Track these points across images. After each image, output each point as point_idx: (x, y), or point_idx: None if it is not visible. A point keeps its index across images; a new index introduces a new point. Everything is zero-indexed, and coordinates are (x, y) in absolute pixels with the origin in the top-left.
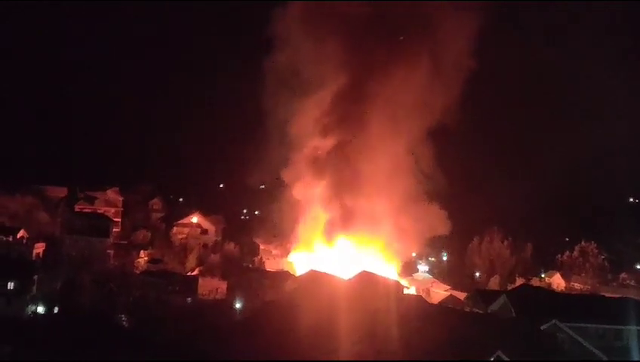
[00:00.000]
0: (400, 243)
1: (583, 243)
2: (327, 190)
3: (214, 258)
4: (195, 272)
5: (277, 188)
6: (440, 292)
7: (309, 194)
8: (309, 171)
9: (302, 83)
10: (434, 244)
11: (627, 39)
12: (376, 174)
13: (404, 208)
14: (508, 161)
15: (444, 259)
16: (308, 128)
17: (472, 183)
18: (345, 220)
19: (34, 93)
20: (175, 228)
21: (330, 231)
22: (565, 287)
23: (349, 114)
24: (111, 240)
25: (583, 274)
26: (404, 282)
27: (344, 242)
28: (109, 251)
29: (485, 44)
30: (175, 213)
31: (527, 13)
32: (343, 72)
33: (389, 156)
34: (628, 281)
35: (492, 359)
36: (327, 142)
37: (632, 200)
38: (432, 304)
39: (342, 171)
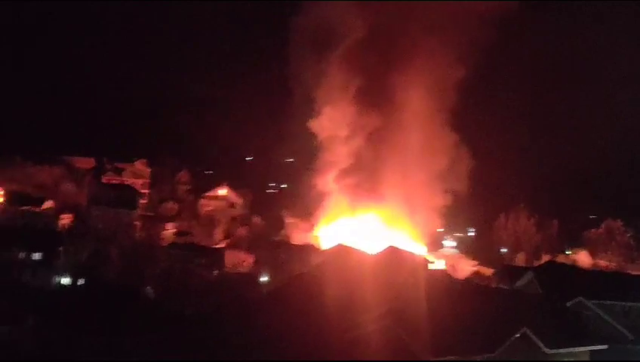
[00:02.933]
0: (426, 218)
1: (609, 220)
2: (355, 164)
3: (241, 231)
4: (222, 245)
5: (304, 161)
6: (466, 268)
7: (337, 167)
8: (336, 145)
9: (334, 56)
10: (460, 220)
11: None
12: (404, 149)
13: (430, 184)
14: (536, 137)
15: (471, 234)
16: (337, 103)
17: (498, 159)
18: (372, 194)
19: (64, 64)
20: (202, 200)
21: (356, 205)
22: (591, 264)
23: (379, 89)
24: (138, 212)
25: (609, 252)
26: (430, 257)
27: (371, 216)
28: (135, 223)
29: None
30: (202, 186)
31: None
32: (374, 47)
33: (417, 132)
34: None
35: (518, 335)
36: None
37: None
38: (458, 280)
39: (370, 144)
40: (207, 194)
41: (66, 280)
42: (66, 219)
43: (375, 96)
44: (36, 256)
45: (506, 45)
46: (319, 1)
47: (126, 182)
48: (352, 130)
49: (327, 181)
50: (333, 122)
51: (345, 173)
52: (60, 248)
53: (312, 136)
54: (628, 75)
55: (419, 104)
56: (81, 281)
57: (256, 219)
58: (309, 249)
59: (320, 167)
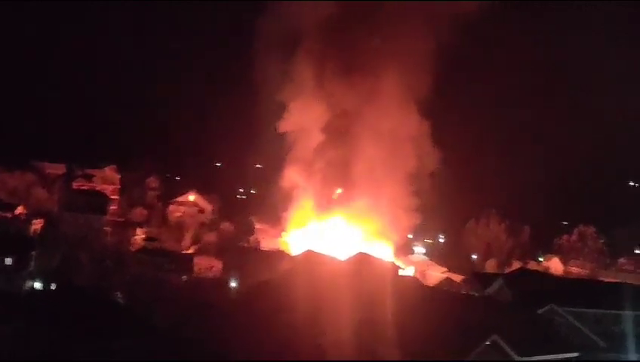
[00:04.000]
0: (396, 223)
1: (581, 226)
2: (323, 169)
3: (210, 236)
4: (191, 250)
5: (273, 167)
6: (436, 274)
7: (305, 172)
8: (306, 149)
9: (300, 55)
10: (430, 226)
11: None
12: (373, 152)
13: (399, 187)
14: (508, 142)
15: (441, 241)
16: (304, 107)
17: (469, 165)
18: (341, 198)
19: (33, 70)
20: (171, 206)
21: (325, 211)
22: (563, 271)
23: (346, 91)
24: (108, 217)
25: (581, 259)
26: (400, 264)
27: (340, 222)
28: (106, 228)
29: (486, 26)
30: (172, 191)
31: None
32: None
33: (387, 135)
34: (626, 266)
35: (488, 342)
36: (324, 120)
37: (632, 184)
38: (428, 286)
39: (338, 149)
40: (176, 199)
41: (38, 285)
42: (37, 225)
43: (343, 98)
44: (8, 260)
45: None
46: (282, 1)
47: (96, 188)
48: (321, 132)
49: (296, 186)
50: (301, 125)
51: (313, 176)
52: (32, 253)
53: (281, 141)
54: (603, 79)
55: (389, 106)
56: (52, 286)
57: (225, 225)
58: (278, 254)
59: (288, 172)
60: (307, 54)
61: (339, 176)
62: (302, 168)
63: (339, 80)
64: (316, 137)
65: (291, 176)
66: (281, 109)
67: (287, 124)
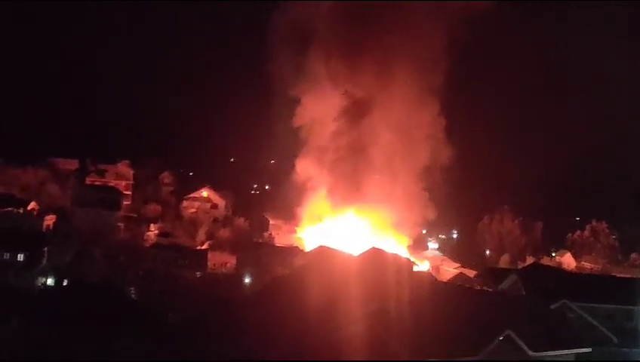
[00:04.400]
0: (410, 219)
1: (594, 222)
2: (337, 164)
3: (224, 232)
4: (205, 246)
5: (287, 162)
6: (450, 269)
7: (319, 170)
8: (319, 147)
9: (313, 57)
10: (444, 222)
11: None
12: (387, 148)
13: (413, 183)
14: (521, 139)
15: (455, 236)
16: (318, 101)
17: (483, 162)
18: (354, 194)
19: (48, 65)
20: (185, 201)
21: (339, 207)
22: (576, 267)
23: (360, 86)
24: (121, 213)
25: (594, 254)
26: (414, 259)
27: (354, 217)
28: (119, 224)
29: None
30: (185, 187)
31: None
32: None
33: (400, 132)
34: (638, 261)
35: (502, 338)
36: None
37: None
38: (441, 281)
39: (352, 144)
40: (189, 195)
41: (50, 281)
42: (50, 220)
43: (357, 93)
44: (21, 256)
45: (490, 47)
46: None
47: (109, 184)
48: (334, 127)
49: (309, 181)
50: (314, 120)
51: (327, 171)
52: (45, 249)
53: (295, 137)
54: (614, 77)
55: (403, 102)
56: (65, 282)
57: (239, 221)
58: (292, 250)
59: (301, 167)
60: (320, 49)
61: (353, 172)
62: (315, 163)
63: (352, 75)
64: (329, 133)
65: (305, 171)
66: (294, 104)
67: (301, 119)
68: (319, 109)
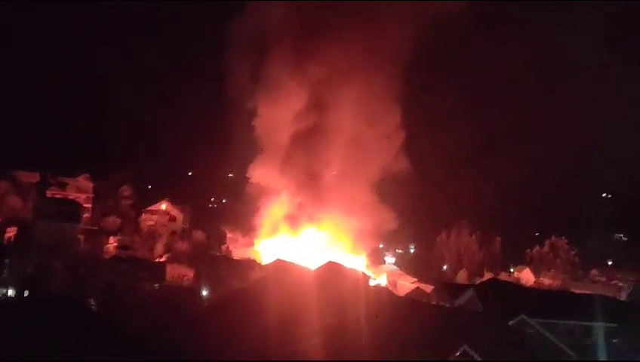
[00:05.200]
0: (366, 233)
1: (553, 238)
2: (293, 178)
3: (182, 245)
4: (163, 259)
5: (244, 176)
6: (407, 284)
7: (275, 182)
8: (275, 159)
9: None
10: (401, 236)
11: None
12: (343, 163)
13: (370, 197)
14: (478, 152)
15: (412, 251)
16: (275, 116)
17: (440, 175)
18: (311, 209)
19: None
20: (144, 214)
21: (295, 220)
22: (535, 282)
23: (316, 100)
24: (81, 225)
25: (553, 270)
26: (370, 273)
27: (311, 231)
28: (79, 236)
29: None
30: (144, 200)
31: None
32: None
33: (357, 145)
34: (598, 277)
35: (458, 353)
36: (293, 130)
37: (604, 195)
38: (398, 296)
39: (308, 159)
40: (148, 208)
41: (11, 292)
42: (11, 233)
43: (314, 104)
44: None
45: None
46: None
47: (70, 197)
48: (291, 138)
49: (266, 194)
50: (271, 133)
51: (284, 185)
52: (6, 260)
53: (252, 150)
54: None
55: (359, 112)
56: (26, 293)
57: (197, 234)
58: (249, 263)
59: (258, 180)
60: (278, 57)
61: (309, 185)
62: (272, 177)
63: (309, 84)
64: (286, 146)
65: (262, 184)
66: (252, 117)
67: (257, 130)
68: (276, 120)
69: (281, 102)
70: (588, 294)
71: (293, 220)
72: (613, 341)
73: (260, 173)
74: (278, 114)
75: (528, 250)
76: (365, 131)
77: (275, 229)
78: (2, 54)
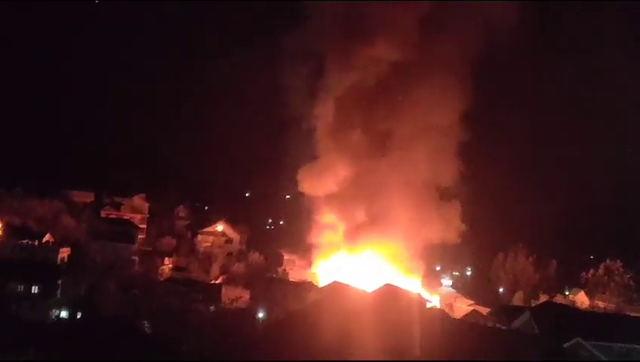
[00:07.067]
0: (424, 255)
1: (608, 261)
2: (351, 200)
3: (238, 267)
4: (219, 281)
5: (302, 197)
6: (463, 306)
7: (333, 204)
8: (333, 181)
9: (327, 91)
10: (458, 259)
11: None
12: (403, 185)
13: (429, 220)
14: (536, 176)
15: (468, 273)
16: (331, 139)
17: (497, 199)
18: (368, 231)
19: (65, 99)
20: (200, 235)
21: (352, 241)
22: (589, 305)
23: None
24: (136, 246)
25: (608, 293)
26: (427, 296)
27: (368, 253)
28: (133, 257)
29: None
30: (200, 221)
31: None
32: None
33: (414, 170)
34: None
35: None
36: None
37: None
38: (455, 319)
39: (367, 179)
40: (204, 229)
41: (64, 314)
42: (64, 253)
43: (375, 130)
44: (35, 288)
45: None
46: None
47: (124, 217)
48: (351, 164)
49: (324, 217)
50: (330, 154)
51: (342, 207)
52: (59, 281)
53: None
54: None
55: (420, 138)
56: (79, 314)
57: (254, 255)
58: (306, 285)
59: (316, 203)
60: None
61: (368, 208)
62: (330, 199)
63: (369, 108)
64: (345, 169)
65: (320, 207)
66: (310, 138)
67: (317, 153)
68: (335, 144)
69: (339, 123)
70: None
71: (351, 243)
72: None
73: (317, 193)
74: (337, 135)
75: (583, 273)
76: (427, 155)
77: (332, 252)
78: (60, 77)
